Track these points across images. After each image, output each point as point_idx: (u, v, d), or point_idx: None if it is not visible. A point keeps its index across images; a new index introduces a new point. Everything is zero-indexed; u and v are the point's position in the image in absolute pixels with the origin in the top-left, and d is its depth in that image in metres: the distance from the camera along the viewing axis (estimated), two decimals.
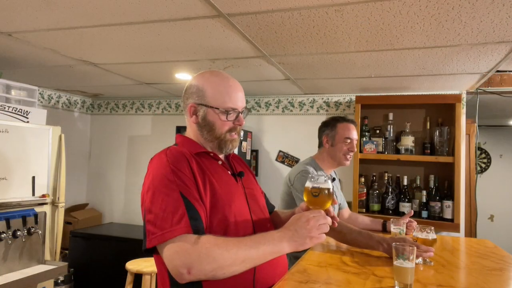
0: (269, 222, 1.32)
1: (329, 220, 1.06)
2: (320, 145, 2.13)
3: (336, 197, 2.17)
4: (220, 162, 1.24)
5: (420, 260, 1.41)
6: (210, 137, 1.21)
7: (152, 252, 1.08)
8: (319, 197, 1.11)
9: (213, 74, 1.25)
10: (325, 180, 1.14)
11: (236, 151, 1.40)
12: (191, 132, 1.26)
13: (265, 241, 1.02)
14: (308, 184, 1.14)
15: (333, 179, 2.15)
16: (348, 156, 2.03)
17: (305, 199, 1.16)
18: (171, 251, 0.97)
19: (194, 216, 1.02)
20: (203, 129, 1.21)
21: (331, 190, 1.14)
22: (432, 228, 1.51)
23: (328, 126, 2.09)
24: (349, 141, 2.02)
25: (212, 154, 1.22)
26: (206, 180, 1.12)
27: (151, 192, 1.05)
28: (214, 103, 1.19)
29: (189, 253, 0.95)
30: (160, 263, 1.11)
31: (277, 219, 1.43)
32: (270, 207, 1.47)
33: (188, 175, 1.08)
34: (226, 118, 1.20)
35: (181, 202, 1.02)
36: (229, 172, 1.25)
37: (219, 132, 1.20)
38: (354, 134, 2.05)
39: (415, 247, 1.13)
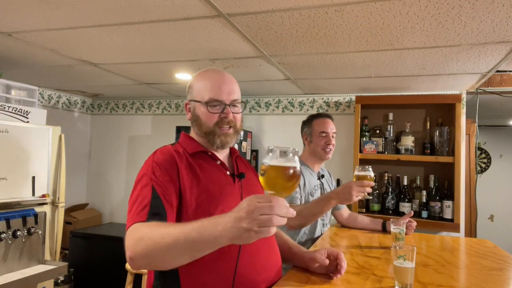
0: None
1: (282, 210, 0.77)
2: (304, 144, 2.17)
3: None
4: (218, 162, 1.21)
5: (367, 195, 1.62)
6: (200, 132, 1.20)
7: None
8: (265, 175, 0.83)
9: (205, 70, 1.25)
10: (285, 155, 0.84)
11: (235, 146, 1.38)
12: (192, 131, 1.28)
13: (198, 228, 0.84)
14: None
15: (322, 176, 2.16)
16: (327, 150, 2.06)
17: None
18: (125, 239, 0.96)
19: (157, 211, 1.01)
20: (194, 125, 1.23)
21: (291, 170, 0.82)
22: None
23: (306, 124, 2.15)
24: (324, 134, 2.06)
25: (210, 154, 1.21)
26: (193, 179, 1.11)
27: (134, 186, 1.09)
28: (198, 96, 1.20)
29: (129, 237, 0.94)
30: None
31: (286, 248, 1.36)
32: None
33: (169, 175, 1.08)
34: (208, 110, 1.17)
35: (149, 195, 1.02)
36: (227, 173, 1.21)
37: (206, 126, 1.19)
38: (330, 128, 2.07)
39: (415, 247, 1.13)
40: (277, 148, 0.83)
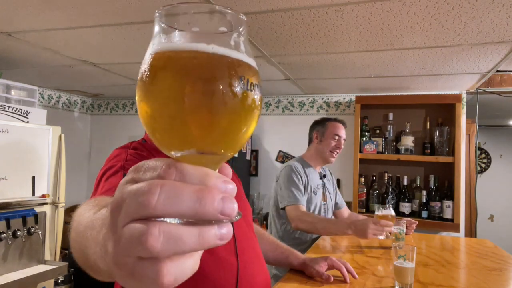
0: (253, 230, 1.13)
1: (194, 204, 0.26)
2: (310, 142, 2.18)
3: (330, 194, 2.18)
4: None
5: (383, 236, 1.58)
6: None
7: None
8: (157, 89, 0.29)
9: None
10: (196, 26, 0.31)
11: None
12: None
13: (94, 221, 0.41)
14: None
15: (324, 176, 2.17)
16: (335, 153, 2.09)
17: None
18: None
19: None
20: None
21: (240, 82, 0.29)
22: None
23: (319, 124, 2.18)
24: (337, 137, 2.09)
25: None
26: None
27: (96, 183, 0.87)
28: None
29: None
30: None
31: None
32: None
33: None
34: None
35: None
36: None
37: None
38: (343, 133, 2.12)
39: (415, 247, 1.13)
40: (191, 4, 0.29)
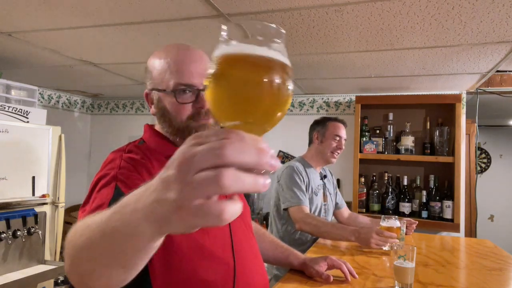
0: (251, 230, 1.11)
1: (245, 157, 0.35)
2: (310, 142, 2.18)
3: (330, 194, 2.18)
4: None
5: (387, 247, 1.56)
6: (171, 129, 0.94)
7: None
8: (220, 81, 0.41)
9: (164, 47, 0.96)
10: (266, 33, 0.42)
11: None
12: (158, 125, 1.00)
13: (121, 207, 0.45)
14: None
15: (325, 176, 2.17)
16: (336, 154, 2.08)
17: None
18: None
19: None
20: (161, 121, 0.96)
21: (280, 69, 0.41)
22: (396, 217, 1.66)
23: (320, 124, 2.16)
24: (338, 138, 2.08)
25: None
26: None
27: (89, 190, 0.82)
28: (161, 84, 0.91)
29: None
30: None
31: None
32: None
33: (140, 182, 0.75)
34: (177, 100, 0.89)
35: (111, 195, 0.75)
36: None
37: (177, 121, 0.92)
38: (343, 133, 2.11)
39: (415, 247, 1.13)
40: (252, 22, 0.41)
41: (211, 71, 0.40)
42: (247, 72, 0.39)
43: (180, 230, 0.38)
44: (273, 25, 0.40)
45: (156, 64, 0.94)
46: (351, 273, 1.20)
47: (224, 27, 0.42)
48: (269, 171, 0.36)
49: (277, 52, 0.40)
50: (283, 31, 0.41)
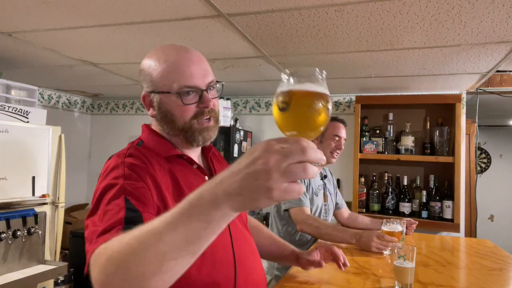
0: (246, 227, 1.12)
1: (317, 154, 0.51)
2: None
3: (330, 194, 2.18)
4: (195, 166, 1.00)
5: (387, 251, 1.55)
6: (173, 130, 0.96)
7: None
8: (288, 109, 0.57)
9: (159, 48, 0.98)
10: (317, 77, 0.59)
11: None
12: (156, 125, 1.02)
13: (190, 211, 0.54)
14: (277, 90, 0.60)
15: (325, 176, 2.17)
16: (335, 154, 2.07)
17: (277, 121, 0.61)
18: (91, 269, 0.68)
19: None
20: (163, 122, 0.97)
21: (325, 99, 0.59)
22: (398, 221, 1.65)
23: None
24: (337, 138, 2.06)
25: (185, 157, 0.98)
26: (176, 193, 0.89)
27: (93, 202, 0.82)
28: (163, 86, 0.93)
29: (97, 264, 0.65)
30: None
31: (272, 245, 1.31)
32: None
33: (147, 191, 0.83)
34: (182, 102, 0.92)
35: (123, 209, 0.76)
36: (206, 178, 1.00)
37: (181, 122, 0.94)
38: (343, 133, 2.09)
39: (415, 247, 1.13)
40: (305, 69, 0.59)
41: (281, 99, 0.58)
42: (307, 102, 0.57)
43: (262, 206, 0.52)
44: (318, 70, 0.59)
45: (155, 66, 0.95)
46: (344, 261, 1.21)
47: (286, 71, 0.59)
48: (321, 164, 0.53)
49: (323, 87, 0.58)
50: (324, 72, 0.59)
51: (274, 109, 0.59)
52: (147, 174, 0.86)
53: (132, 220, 0.73)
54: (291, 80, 0.58)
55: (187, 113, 0.93)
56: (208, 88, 0.95)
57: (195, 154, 1.03)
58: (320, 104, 0.57)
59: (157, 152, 0.94)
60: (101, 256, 0.63)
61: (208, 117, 0.96)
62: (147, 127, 1.03)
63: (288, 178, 0.49)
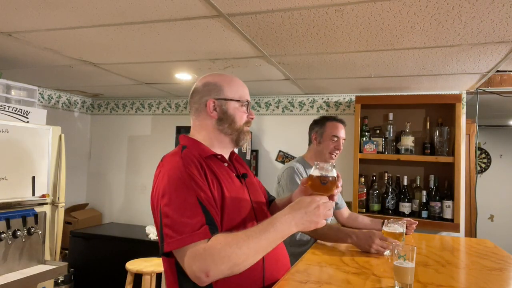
0: (268, 210, 1.38)
1: (333, 204, 1.11)
2: (310, 142, 2.16)
3: None
4: (226, 164, 1.24)
5: (388, 252, 1.54)
6: (231, 130, 1.24)
7: (168, 255, 1.08)
8: (327, 184, 1.13)
9: (220, 73, 1.31)
10: (332, 168, 1.15)
11: (235, 150, 1.39)
12: (202, 132, 1.26)
13: (273, 227, 1.02)
14: (316, 172, 1.14)
15: None
16: (334, 155, 2.06)
17: (310, 186, 1.16)
18: (189, 257, 0.98)
19: (211, 222, 1.03)
20: (224, 123, 1.23)
21: (335, 176, 1.15)
22: (399, 222, 1.64)
23: (318, 124, 2.14)
24: (336, 139, 2.06)
25: (219, 157, 1.22)
26: (217, 185, 1.13)
27: (168, 196, 1.05)
28: (234, 95, 1.25)
29: (203, 257, 0.96)
30: (168, 265, 1.13)
31: (275, 209, 1.42)
32: (271, 198, 1.50)
33: (203, 181, 1.09)
34: (246, 110, 1.26)
35: (199, 208, 1.03)
36: (234, 174, 1.25)
37: (239, 124, 1.24)
38: (342, 133, 2.09)
39: (415, 247, 1.13)
40: (327, 164, 1.16)
41: (328, 180, 1.14)
42: (333, 180, 1.15)
43: (308, 229, 1.08)
44: (331, 163, 1.18)
45: (225, 81, 1.26)
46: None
47: (316, 163, 1.17)
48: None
49: (332, 172, 1.15)
50: (334, 163, 1.24)
51: (315, 181, 1.14)
52: (201, 170, 1.12)
53: (210, 223, 1.03)
54: (334, 170, 1.15)
55: (243, 118, 1.26)
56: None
57: (226, 155, 1.28)
58: (334, 180, 1.15)
59: (199, 153, 1.17)
60: (212, 253, 0.97)
61: (249, 126, 1.29)
62: (186, 136, 1.28)
63: (325, 216, 1.07)
